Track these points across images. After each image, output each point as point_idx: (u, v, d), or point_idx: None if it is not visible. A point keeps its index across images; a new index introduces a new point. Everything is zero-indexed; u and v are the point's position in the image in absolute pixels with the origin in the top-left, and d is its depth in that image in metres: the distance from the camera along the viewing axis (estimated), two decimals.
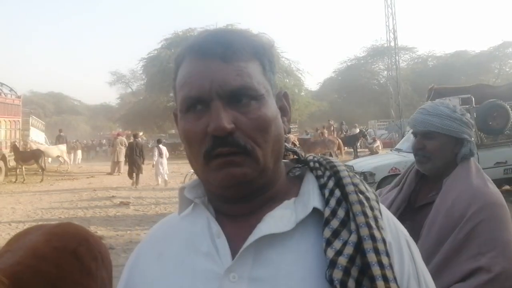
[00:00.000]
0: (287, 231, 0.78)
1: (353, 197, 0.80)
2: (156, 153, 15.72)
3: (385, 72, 43.23)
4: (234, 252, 0.79)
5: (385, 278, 0.72)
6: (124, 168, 19.34)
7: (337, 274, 0.72)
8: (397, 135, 25.37)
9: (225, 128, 0.76)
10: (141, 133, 26.76)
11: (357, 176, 0.86)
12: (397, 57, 29.99)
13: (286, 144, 0.92)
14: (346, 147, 22.45)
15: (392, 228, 0.83)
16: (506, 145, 10.81)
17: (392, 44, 29.24)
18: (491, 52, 42.79)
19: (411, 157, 9.04)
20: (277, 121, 0.84)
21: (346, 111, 40.12)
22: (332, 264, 0.73)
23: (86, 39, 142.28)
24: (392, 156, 11.43)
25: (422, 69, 44.28)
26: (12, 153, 18.38)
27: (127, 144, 19.06)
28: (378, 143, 22.54)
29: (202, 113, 0.80)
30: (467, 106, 12.09)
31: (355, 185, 0.82)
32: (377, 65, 46.80)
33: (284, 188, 0.87)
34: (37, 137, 25.07)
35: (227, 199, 0.85)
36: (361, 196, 0.81)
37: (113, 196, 13.23)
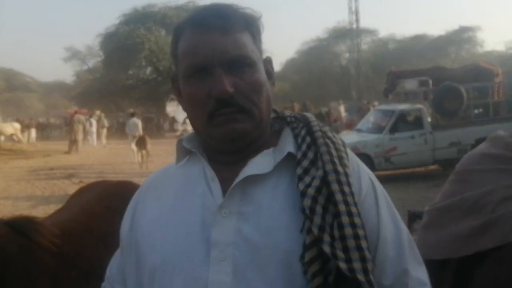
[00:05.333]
0: (267, 173, 0.93)
1: (320, 141, 0.96)
2: (88, 124, 22.30)
3: (347, 54, 43.81)
4: (225, 193, 0.93)
5: (346, 203, 0.87)
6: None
7: (307, 202, 0.87)
8: (355, 117, 25.85)
9: (228, 92, 0.90)
10: (98, 112, 26.23)
11: (327, 127, 1.02)
12: (358, 40, 30.40)
13: None
14: None
15: (354, 165, 0.99)
16: (460, 127, 11.27)
17: (354, 26, 29.59)
18: (449, 37, 43.77)
19: (370, 137, 9.39)
20: (266, 84, 0.99)
21: (308, 92, 40.38)
22: (303, 194, 0.88)
23: (38, 12, 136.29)
24: (352, 136, 11.69)
25: (383, 52, 44.93)
26: None
27: (84, 123, 19.96)
28: (340, 122, 22.80)
29: (204, 79, 0.93)
30: (424, 88, 12.54)
31: (323, 132, 0.98)
32: (339, 47, 47.10)
33: (268, 140, 1.01)
34: None
35: (223, 151, 0.99)
36: (327, 140, 0.96)
37: (71, 175, 12.92)
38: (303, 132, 0.99)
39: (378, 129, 11.24)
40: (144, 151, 14.10)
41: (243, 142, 0.96)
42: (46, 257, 1.80)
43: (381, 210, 0.96)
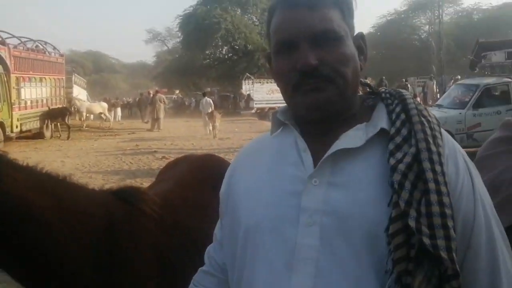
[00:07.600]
0: (359, 147, 0.95)
1: (415, 118, 0.96)
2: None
3: (427, 27, 41.56)
4: (316, 163, 0.97)
5: (436, 181, 0.87)
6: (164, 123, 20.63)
7: (397, 177, 0.88)
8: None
9: (311, 64, 0.95)
10: (177, 91, 27.16)
11: (422, 105, 1.02)
12: (440, 10, 28.75)
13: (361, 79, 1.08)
14: None
15: (451, 146, 0.97)
16: None
17: None
18: None
19: (451, 113, 8.97)
20: (354, 58, 1.01)
21: (385, 68, 38.91)
22: (393, 169, 0.89)
23: None
24: (432, 113, 11.24)
25: (466, 23, 42.01)
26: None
27: (165, 101, 20.72)
28: (417, 100, 21.80)
29: (291, 54, 0.98)
30: None
31: (418, 110, 0.99)
32: (418, 20, 44.74)
33: (358, 115, 1.03)
34: (80, 95, 25.87)
35: (309, 120, 1.03)
36: (423, 118, 0.96)
37: (155, 151, 13.70)
38: (397, 108, 0.99)
39: (460, 104, 10.74)
40: (213, 124, 16.89)
41: (327, 112, 0.99)
42: (149, 224, 1.89)
43: (476, 195, 0.94)
